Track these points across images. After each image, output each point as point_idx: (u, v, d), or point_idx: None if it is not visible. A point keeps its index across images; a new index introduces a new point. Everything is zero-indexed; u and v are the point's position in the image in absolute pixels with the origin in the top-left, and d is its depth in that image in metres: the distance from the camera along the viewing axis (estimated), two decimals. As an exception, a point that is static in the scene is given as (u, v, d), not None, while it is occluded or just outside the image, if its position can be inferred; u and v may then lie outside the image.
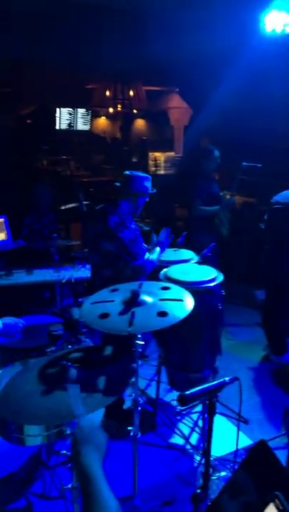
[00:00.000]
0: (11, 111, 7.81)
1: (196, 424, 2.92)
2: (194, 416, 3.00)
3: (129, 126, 10.97)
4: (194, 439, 2.80)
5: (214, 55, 4.36)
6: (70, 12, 4.20)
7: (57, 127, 8.66)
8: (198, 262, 2.84)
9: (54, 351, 2.13)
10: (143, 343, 1.84)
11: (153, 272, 2.69)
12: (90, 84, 8.22)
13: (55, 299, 3.60)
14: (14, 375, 1.64)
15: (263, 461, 1.08)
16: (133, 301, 1.78)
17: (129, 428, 2.00)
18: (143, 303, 1.79)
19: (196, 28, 3.97)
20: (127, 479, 2.31)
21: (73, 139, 9.43)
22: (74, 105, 8.59)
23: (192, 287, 2.24)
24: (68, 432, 1.88)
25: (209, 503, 1.46)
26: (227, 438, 2.64)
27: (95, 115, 9.59)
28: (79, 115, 8.84)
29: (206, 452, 1.60)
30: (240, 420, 2.81)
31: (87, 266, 3.50)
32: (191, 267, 2.68)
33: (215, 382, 1.46)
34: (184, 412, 3.02)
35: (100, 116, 10.61)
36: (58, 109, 8.54)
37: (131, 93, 7.21)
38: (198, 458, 2.63)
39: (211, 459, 2.59)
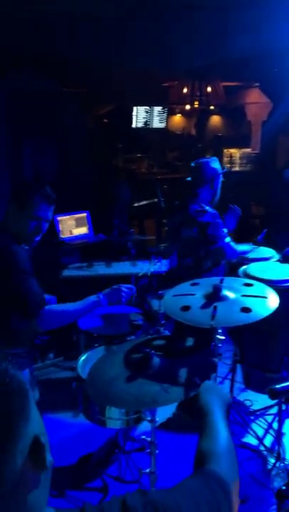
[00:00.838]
0: (89, 111, 8.11)
1: (270, 425, 2.85)
2: (269, 418, 2.93)
3: (205, 122, 10.87)
4: (268, 440, 2.74)
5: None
6: (147, 11, 4.27)
7: (133, 125, 8.84)
8: (280, 261, 2.77)
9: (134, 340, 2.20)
10: (223, 338, 1.84)
11: (232, 269, 2.68)
12: (166, 81, 8.28)
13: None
14: (100, 358, 1.74)
15: None
16: (215, 296, 1.79)
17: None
18: (225, 298, 1.79)
19: (278, 21, 3.83)
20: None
21: (148, 137, 9.57)
22: (150, 103, 8.70)
23: (272, 285, 2.19)
24: (148, 418, 1.96)
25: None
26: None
27: (170, 113, 9.63)
28: (155, 113, 8.93)
29: None
30: None
31: (163, 261, 3.56)
32: (272, 265, 2.62)
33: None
34: (257, 413, 2.96)
35: (176, 114, 10.64)
36: (134, 108, 8.71)
37: (209, 89, 7.15)
38: (272, 460, 2.57)
39: (286, 463, 2.53)
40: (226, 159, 8.95)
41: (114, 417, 1.91)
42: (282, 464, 2.51)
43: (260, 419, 2.92)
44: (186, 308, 1.75)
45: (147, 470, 1.83)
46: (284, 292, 2.34)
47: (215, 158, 2.90)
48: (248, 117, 9.56)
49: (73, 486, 2.34)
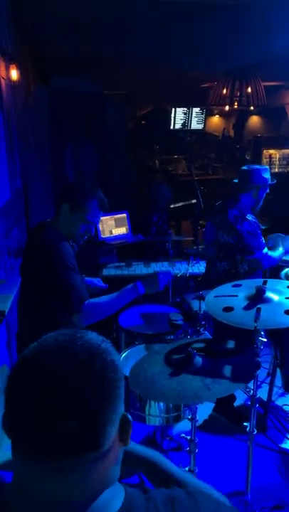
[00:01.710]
0: (129, 113, 8.20)
1: (310, 433, 2.79)
2: (308, 424, 2.86)
3: (243, 123, 10.73)
4: (308, 447, 2.68)
5: None
6: (187, 12, 4.27)
7: (171, 127, 8.86)
8: None
9: (173, 340, 2.22)
10: (265, 340, 1.83)
11: (274, 272, 2.64)
12: (205, 82, 8.24)
13: (167, 292, 3.73)
14: (142, 356, 1.77)
15: None
16: (258, 298, 1.79)
17: (245, 424, 2.01)
18: (269, 300, 1.78)
19: None
20: (238, 475, 2.32)
21: (186, 138, 9.56)
22: (189, 104, 8.70)
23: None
24: (188, 416, 1.97)
25: None
26: None
27: (208, 114, 9.59)
28: (193, 114, 8.92)
29: None
30: None
31: (201, 262, 3.55)
32: (315, 268, 2.57)
33: None
34: (297, 419, 2.91)
35: (214, 115, 10.57)
36: (173, 109, 8.73)
37: (249, 90, 7.04)
38: (311, 467, 2.52)
39: None
40: (265, 160, 8.80)
41: (154, 414, 1.93)
42: None
43: (300, 425, 2.86)
44: (228, 309, 1.75)
45: (186, 468, 1.84)
46: None
47: (267, 167, 2.81)
48: (289, 118, 9.35)
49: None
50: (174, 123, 8.89)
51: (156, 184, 4.55)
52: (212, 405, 2.90)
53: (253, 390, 1.93)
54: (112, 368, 0.67)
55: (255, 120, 10.84)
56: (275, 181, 2.81)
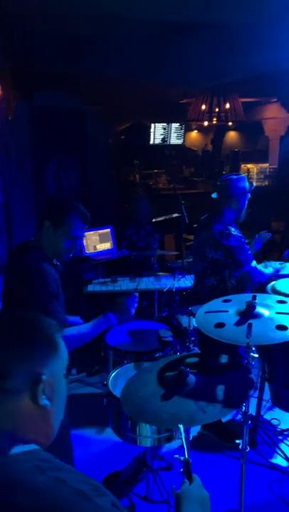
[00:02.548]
0: (109, 128, 8.25)
1: (299, 446, 2.78)
2: (297, 438, 2.86)
3: (221, 138, 10.94)
4: (298, 462, 2.67)
5: None
6: (166, 30, 4.35)
7: (151, 142, 8.95)
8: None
9: (163, 357, 2.19)
10: (257, 356, 1.82)
11: (260, 286, 2.66)
12: (184, 98, 8.39)
13: (153, 307, 3.71)
14: (133, 375, 1.73)
15: None
16: (249, 313, 1.78)
17: (237, 441, 1.98)
18: (259, 315, 1.77)
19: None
20: (230, 493, 2.29)
21: (165, 153, 9.67)
22: (168, 120, 8.82)
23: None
24: (178, 437, 1.93)
25: None
26: None
27: (187, 129, 9.75)
28: (172, 129, 9.04)
29: None
30: None
31: (187, 276, 3.55)
32: (301, 282, 2.59)
33: None
34: (285, 432, 2.90)
35: (193, 130, 10.75)
36: (152, 125, 8.84)
37: (227, 105, 7.21)
38: (303, 482, 2.50)
39: None
40: (243, 174, 8.98)
41: (146, 435, 1.89)
42: (313, 487, 2.44)
43: (288, 438, 2.86)
44: (220, 325, 1.74)
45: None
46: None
47: (243, 176, 2.83)
48: (266, 132, 9.61)
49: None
50: (154, 138, 8.99)
51: (137, 199, 4.54)
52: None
53: (244, 406, 1.91)
54: (33, 332, 0.85)
55: (232, 135, 11.08)
56: (253, 187, 2.84)
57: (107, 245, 3.83)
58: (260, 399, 2.84)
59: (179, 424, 1.33)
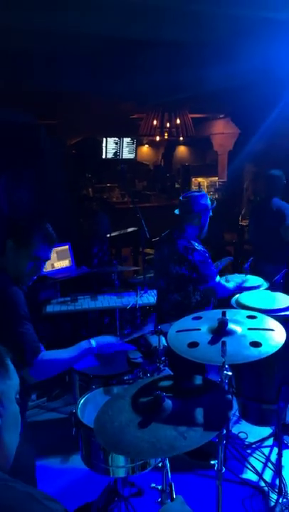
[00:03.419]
0: (61, 142, 8.13)
1: (268, 459, 2.79)
2: (265, 450, 2.87)
3: (172, 153, 11.16)
4: (268, 475, 2.67)
5: (268, 81, 4.40)
6: (118, 46, 4.38)
7: (103, 156, 8.94)
8: (268, 289, 2.79)
9: (132, 379, 2.11)
10: (230, 373, 1.79)
11: (225, 300, 2.67)
12: (135, 114, 8.49)
13: (114, 325, 3.62)
14: (106, 403, 1.64)
15: None
16: (221, 330, 1.76)
17: (213, 462, 1.93)
18: (232, 332, 1.75)
19: (249, 56, 4.02)
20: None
21: (118, 167, 9.69)
22: (120, 135, 8.86)
23: (268, 315, 2.18)
24: (152, 464, 1.85)
25: None
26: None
27: (139, 144, 9.84)
28: (124, 144, 9.09)
29: None
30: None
31: (149, 291, 3.50)
32: (264, 294, 2.63)
33: None
34: (254, 446, 2.90)
35: (144, 145, 10.87)
36: (104, 139, 8.83)
37: (178, 121, 7.36)
38: (274, 496, 2.50)
39: (289, 497, 2.46)
40: (194, 188, 9.18)
41: (120, 465, 1.79)
42: (284, 500, 2.44)
43: (257, 452, 2.86)
44: (194, 344, 1.70)
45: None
46: (281, 321, 2.35)
47: (204, 193, 2.86)
48: (215, 147, 9.92)
49: None
50: (106, 152, 8.98)
51: (93, 214, 4.46)
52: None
53: (219, 426, 1.87)
54: None
55: (182, 150, 11.35)
56: (215, 204, 2.88)
57: (65, 263, 3.70)
58: (227, 413, 2.82)
59: (160, 454, 1.26)
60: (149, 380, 1.75)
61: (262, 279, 2.94)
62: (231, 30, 3.52)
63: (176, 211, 2.82)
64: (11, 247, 1.70)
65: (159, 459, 1.70)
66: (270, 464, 2.74)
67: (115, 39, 4.06)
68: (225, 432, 2.02)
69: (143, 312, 3.76)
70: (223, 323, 1.76)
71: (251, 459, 2.78)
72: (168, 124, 7.37)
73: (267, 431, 2.93)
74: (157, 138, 8.09)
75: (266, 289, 2.83)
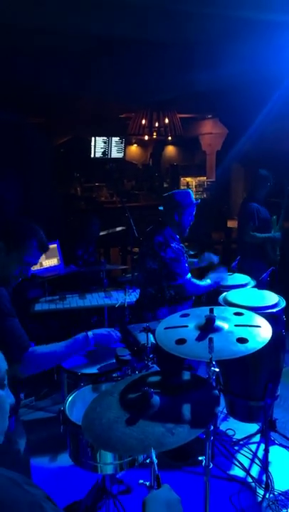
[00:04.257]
0: (49, 142, 8.09)
1: (255, 455, 2.82)
2: (252, 446, 2.90)
3: (160, 152, 11.18)
4: (255, 471, 2.70)
5: (256, 82, 4.44)
6: (108, 46, 4.38)
7: (92, 155, 8.92)
8: (255, 287, 2.82)
9: (120, 377, 2.12)
10: (218, 370, 1.81)
11: (212, 297, 2.69)
12: (124, 113, 8.48)
13: (103, 324, 3.62)
14: (93, 400, 1.64)
15: None
16: (209, 327, 1.77)
17: (200, 458, 1.95)
18: (219, 329, 1.77)
19: (238, 57, 4.06)
20: (191, 510, 2.24)
21: (107, 167, 9.69)
22: (109, 134, 8.85)
23: (255, 312, 2.21)
24: (140, 461, 1.86)
25: None
26: (291, 471, 2.54)
27: (127, 143, 9.84)
28: (113, 143, 9.08)
29: None
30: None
31: (137, 290, 3.51)
32: (251, 292, 2.66)
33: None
34: (241, 442, 2.93)
35: (133, 144, 10.87)
36: (92, 138, 8.81)
37: (166, 121, 7.38)
38: (261, 492, 2.52)
39: (275, 493, 2.50)
40: (182, 187, 9.22)
41: (107, 462, 1.79)
42: (271, 495, 2.47)
43: (244, 448, 2.88)
44: (181, 341, 1.71)
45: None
46: (267, 319, 2.38)
47: (188, 190, 2.90)
48: (203, 147, 9.98)
49: None
50: (95, 152, 8.96)
51: (83, 216, 4.46)
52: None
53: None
54: None
55: (171, 150, 11.38)
56: (198, 201, 2.90)
57: (54, 261, 3.69)
58: (215, 410, 2.84)
59: (151, 450, 1.26)
60: (137, 377, 1.76)
61: (249, 277, 2.96)
62: (220, 31, 3.54)
63: (160, 207, 2.85)
64: (2, 249, 1.69)
65: (146, 456, 1.72)
66: (257, 460, 2.77)
67: (102, 38, 4.06)
68: (212, 428, 2.03)
69: (132, 311, 3.76)
70: (210, 320, 1.78)
71: (239, 456, 2.81)
72: (156, 124, 7.39)
73: (254, 427, 2.96)
74: (146, 137, 8.10)
75: (253, 287, 2.86)
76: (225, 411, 2.94)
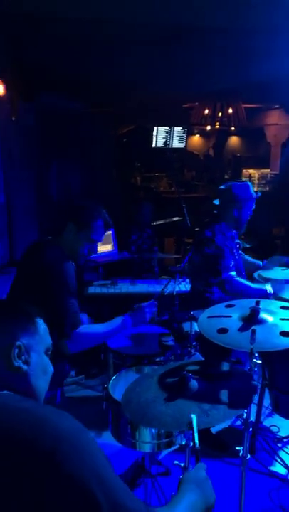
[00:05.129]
0: (112, 131, 8.27)
1: (299, 454, 2.76)
2: (297, 445, 2.83)
3: (223, 143, 10.96)
4: (298, 470, 2.64)
5: None
6: (170, 35, 4.36)
7: (153, 145, 8.95)
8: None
9: (163, 361, 2.18)
10: (260, 362, 1.80)
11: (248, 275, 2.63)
12: (187, 103, 8.41)
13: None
14: (135, 380, 1.71)
15: None
16: (253, 319, 1.77)
17: (238, 448, 1.96)
18: (263, 321, 1.76)
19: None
20: (229, 501, 2.26)
21: (167, 157, 9.69)
22: (171, 124, 8.83)
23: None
24: (177, 443, 1.91)
25: None
26: None
27: (190, 133, 9.76)
28: (175, 133, 9.04)
29: None
30: None
31: (187, 280, 3.53)
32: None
33: None
34: (285, 440, 2.88)
35: (195, 134, 10.76)
36: (154, 128, 8.84)
37: (230, 111, 7.22)
38: (302, 491, 2.48)
39: None
40: (244, 179, 8.99)
41: (145, 440, 1.87)
42: (312, 495, 2.42)
43: (288, 446, 2.83)
44: (223, 330, 1.73)
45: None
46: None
47: (246, 183, 2.78)
48: (268, 138, 9.63)
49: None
50: (156, 141, 8.99)
51: (142, 203, 4.53)
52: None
53: (246, 413, 1.89)
54: (15, 310, 1.04)
55: (234, 140, 11.11)
56: (259, 195, 2.79)
57: (108, 247, 3.82)
58: (259, 405, 2.82)
59: (191, 415, 1.31)
60: (178, 364, 1.80)
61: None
62: (283, 17, 3.40)
63: (216, 201, 2.80)
64: (72, 228, 1.85)
65: (184, 439, 1.76)
66: (301, 460, 2.71)
67: (167, 27, 4.05)
68: (251, 419, 2.02)
69: (181, 300, 3.80)
70: (254, 312, 1.77)
71: (281, 453, 2.77)
72: (220, 114, 7.25)
73: (300, 426, 2.89)
74: (208, 127, 7.98)
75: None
76: (270, 407, 2.90)
